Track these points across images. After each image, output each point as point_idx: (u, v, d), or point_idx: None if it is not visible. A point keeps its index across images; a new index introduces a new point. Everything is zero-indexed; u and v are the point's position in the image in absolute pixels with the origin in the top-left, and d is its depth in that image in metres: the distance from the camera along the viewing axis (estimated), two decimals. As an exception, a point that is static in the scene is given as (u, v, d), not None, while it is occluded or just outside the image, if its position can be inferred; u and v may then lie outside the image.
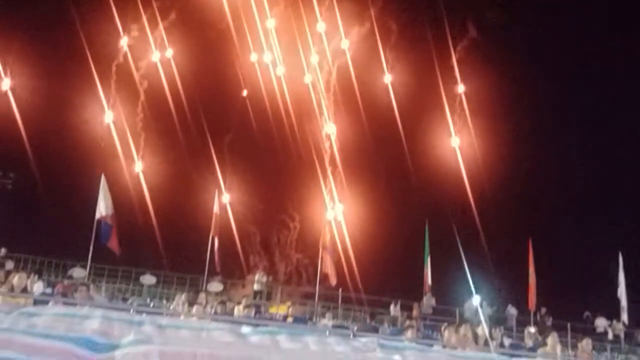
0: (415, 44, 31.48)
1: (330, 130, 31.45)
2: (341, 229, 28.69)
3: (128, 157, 29.54)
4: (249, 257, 29.24)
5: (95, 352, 4.75)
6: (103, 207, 22.69)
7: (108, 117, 29.77)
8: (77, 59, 28.43)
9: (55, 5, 28.70)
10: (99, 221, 22.76)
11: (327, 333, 12.17)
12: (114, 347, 5.14)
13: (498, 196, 28.74)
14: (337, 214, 29.15)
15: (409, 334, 11.68)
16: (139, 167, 29.57)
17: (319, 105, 31.76)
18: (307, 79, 32.38)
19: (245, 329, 6.85)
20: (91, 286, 12.49)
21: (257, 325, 9.23)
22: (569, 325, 23.73)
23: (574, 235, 28.94)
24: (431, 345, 10.95)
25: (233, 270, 26.78)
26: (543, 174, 29.15)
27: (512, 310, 26.00)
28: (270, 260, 30.12)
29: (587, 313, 26.55)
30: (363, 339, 7.10)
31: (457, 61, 32.08)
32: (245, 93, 31.61)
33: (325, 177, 30.09)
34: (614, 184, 29.70)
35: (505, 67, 29.19)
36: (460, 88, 32.67)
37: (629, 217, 28.59)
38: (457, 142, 32.06)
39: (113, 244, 22.53)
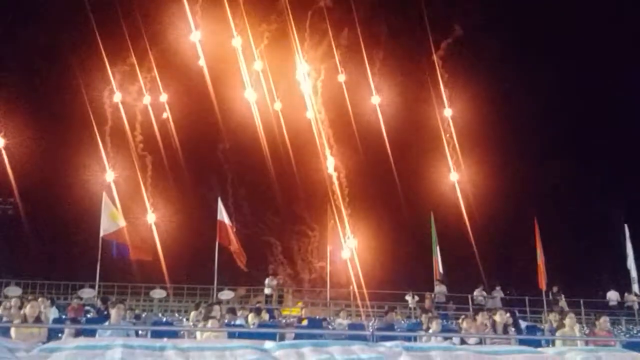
0: (403, 69, 31.90)
1: (331, 165, 31.85)
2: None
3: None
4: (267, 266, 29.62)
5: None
6: (109, 225, 22.74)
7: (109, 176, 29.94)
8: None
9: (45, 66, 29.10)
10: (105, 239, 22.84)
11: (346, 334, 12.14)
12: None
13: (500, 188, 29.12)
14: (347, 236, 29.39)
15: (434, 325, 11.53)
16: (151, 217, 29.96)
17: (319, 139, 32.12)
18: (308, 114, 32.62)
19: (269, 344, 6.78)
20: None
21: (276, 336, 9.22)
22: (581, 301, 23.76)
23: (579, 211, 29.19)
24: (451, 339, 10.94)
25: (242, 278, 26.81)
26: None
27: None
28: (279, 268, 30.58)
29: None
30: (387, 344, 7.04)
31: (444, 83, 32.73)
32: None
33: (331, 202, 30.31)
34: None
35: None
36: (448, 112, 33.21)
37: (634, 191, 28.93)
38: (454, 173, 32.70)
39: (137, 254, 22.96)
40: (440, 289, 25.15)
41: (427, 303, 22.91)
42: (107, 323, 11.48)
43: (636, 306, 25.61)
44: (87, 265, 22.98)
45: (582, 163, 30.15)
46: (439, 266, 26.14)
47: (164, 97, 31.56)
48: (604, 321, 12.51)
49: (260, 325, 14.34)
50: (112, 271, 23.76)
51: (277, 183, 30.59)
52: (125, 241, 22.68)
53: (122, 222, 22.79)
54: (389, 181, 30.35)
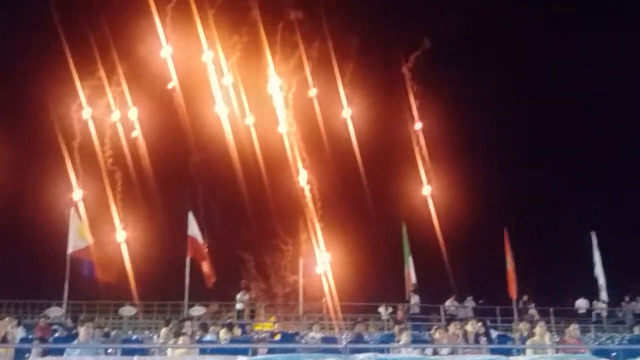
0: (374, 82, 32.07)
1: (304, 178, 31.71)
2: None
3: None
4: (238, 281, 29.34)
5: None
6: (77, 242, 22.45)
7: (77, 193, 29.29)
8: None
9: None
10: (74, 257, 22.51)
11: (320, 348, 12.09)
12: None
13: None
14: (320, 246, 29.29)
15: (404, 337, 11.53)
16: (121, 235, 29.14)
17: (291, 152, 31.99)
18: (280, 128, 32.39)
19: (241, 360, 6.72)
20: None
21: (248, 351, 9.12)
22: (551, 310, 24.00)
23: (547, 221, 29.60)
24: (424, 350, 10.96)
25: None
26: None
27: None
28: (253, 283, 30.39)
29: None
30: (361, 356, 7.02)
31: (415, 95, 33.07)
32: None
33: (304, 216, 30.23)
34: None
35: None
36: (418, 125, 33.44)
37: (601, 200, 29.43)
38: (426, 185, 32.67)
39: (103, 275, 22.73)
40: (415, 300, 25.29)
41: (399, 314, 22.99)
42: (75, 342, 11.27)
43: (605, 313, 26.01)
44: (54, 284, 22.63)
45: (550, 173, 30.64)
46: (412, 277, 26.29)
47: (134, 112, 31.17)
48: (574, 329, 12.60)
49: (233, 341, 14.20)
50: (80, 289, 23.40)
51: (250, 197, 30.42)
52: (92, 260, 22.43)
53: (90, 240, 22.51)
54: (362, 194, 30.48)
